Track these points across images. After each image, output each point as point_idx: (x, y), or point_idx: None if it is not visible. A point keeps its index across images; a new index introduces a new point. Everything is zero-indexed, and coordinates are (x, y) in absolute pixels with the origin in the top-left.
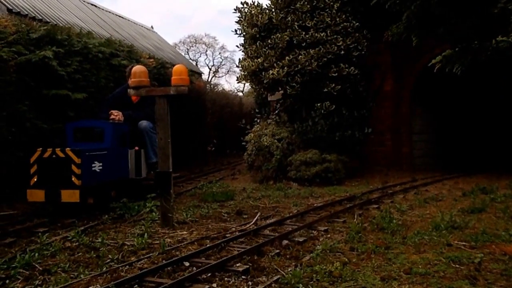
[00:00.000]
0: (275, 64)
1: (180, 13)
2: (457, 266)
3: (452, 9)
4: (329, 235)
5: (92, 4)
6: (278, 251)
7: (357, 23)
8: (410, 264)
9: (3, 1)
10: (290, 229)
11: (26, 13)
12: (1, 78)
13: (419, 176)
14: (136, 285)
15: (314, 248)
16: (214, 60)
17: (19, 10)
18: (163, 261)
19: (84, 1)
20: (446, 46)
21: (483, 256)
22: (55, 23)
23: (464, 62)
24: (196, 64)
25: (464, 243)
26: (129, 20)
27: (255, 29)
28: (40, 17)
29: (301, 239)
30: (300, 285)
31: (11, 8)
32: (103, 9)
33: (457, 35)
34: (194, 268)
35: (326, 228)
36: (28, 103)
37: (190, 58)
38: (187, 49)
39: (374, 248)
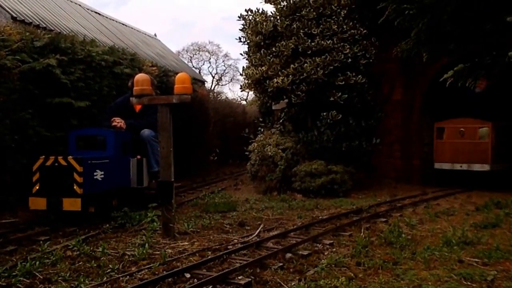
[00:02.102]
0: (279, 73)
1: (183, 20)
2: (468, 283)
3: (463, 25)
4: (334, 249)
5: (95, 12)
6: (281, 264)
7: (365, 30)
8: (420, 281)
9: (8, 9)
10: (294, 242)
11: (30, 21)
12: (5, 86)
13: (429, 189)
14: None
15: (318, 262)
16: (218, 68)
17: (23, 18)
18: (164, 272)
19: (87, 9)
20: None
21: (496, 274)
22: (58, 31)
23: (476, 77)
24: (199, 72)
25: (476, 259)
26: (132, 28)
27: (259, 36)
28: (44, 25)
29: (305, 253)
30: None
31: (15, 16)
32: (106, 17)
33: (469, 50)
34: (195, 280)
35: (331, 241)
36: (32, 111)
37: (193, 66)
38: (190, 56)
39: (381, 263)
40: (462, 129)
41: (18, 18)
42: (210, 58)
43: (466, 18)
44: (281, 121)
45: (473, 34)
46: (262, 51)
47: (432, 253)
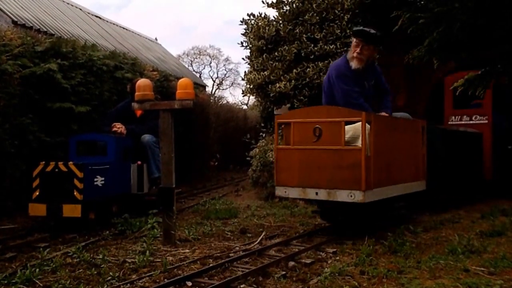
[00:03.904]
0: (282, 77)
1: (185, 24)
2: None
3: (475, 34)
4: (338, 257)
5: (96, 16)
6: (284, 272)
7: None
8: None
9: (9, 14)
10: (297, 250)
11: (31, 25)
12: (6, 91)
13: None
14: None
15: (322, 270)
16: (219, 72)
17: (24, 23)
18: (165, 280)
19: (88, 13)
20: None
21: (502, 283)
22: (59, 35)
23: (486, 86)
24: (200, 76)
25: (482, 268)
26: (133, 32)
27: (261, 41)
28: (45, 30)
29: (308, 261)
30: None
31: (16, 20)
32: (107, 21)
33: (480, 58)
34: None
35: (334, 250)
36: (32, 116)
37: (194, 70)
38: (191, 60)
39: (386, 272)
40: (318, 126)
41: (19, 23)
42: (211, 62)
43: (478, 26)
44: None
45: (485, 42)
46: (264, 56)
47: (437, 261)
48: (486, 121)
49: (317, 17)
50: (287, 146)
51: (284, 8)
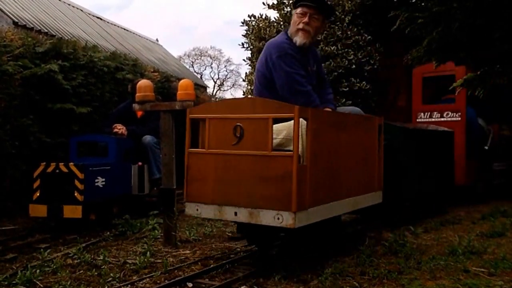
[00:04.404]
0: None
1: (185, 24)
2: None
3: (473, 34)
4: (338, 258)
5: (97, 17)
6: (285, 273)
7: (369, 36)
8: None
9: (9, 14)
10: (298, 250)
11: (32, 26)
12: (6, 91)
13: None
14: None
15: (322, 271)
16: (220, 73)
17: (25, 23)
18: (166, 281)
19: (89, 14)
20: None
21: (503, 284)
22: (60, 36)
23: (485, 86)
24: (201, 77)
25: (482, 269)
26: (134, 33)
27: (262, 42)
28: (46, 30)
29: (309, 261)
30: None
31: (17, 21)
32: (108, 22)
33: (479, 59)
34: None
35: (335, 250)
36: (32, 117)
37: (195, 71)
38: (192, 62)
39: (386, 273)
40: (239, 124)
41: (19, 23)
42: (212, 63)
43: (476, 26)
44: None
45: (483, 42)
46: None
47: (438, 262)
48: (459, 118)
49: None
50: (200, 150)
51: (285, 9)
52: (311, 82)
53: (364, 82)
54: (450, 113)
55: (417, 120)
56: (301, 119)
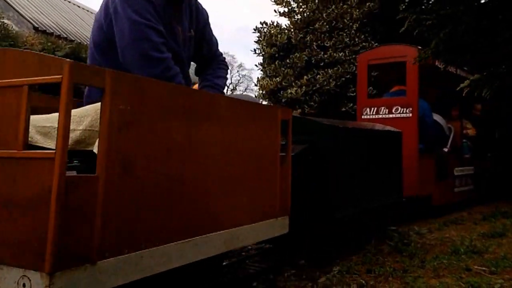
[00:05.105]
0: (293, 83)
1: None
2: None
3: (479, 36)
4: (346, 256)
5: None
6: (294, 271)
7: (376, 43)
8: None
9: (30, 20)
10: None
11: (52, 31)
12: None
13: None
14: None
15: (330, 269)
16: (233, 78)
17: (45, 29)
18: None
19: None
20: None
21: (503, 282)
22: (79, 41)
23: (492, 87)
24: None
25: (484, 268)
26: None
27: (274, 48)
28: (65, 35)
29: (317, 259)
30: None
31: (37, 26)
32: None
33: (485, 60)
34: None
35: (342, 248)
36: None
37: None
38: None
39: (391, 271)
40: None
41: (40, 29)
42: None
43: (482, 29)
44: None
45: (489, 44)
46: (276, 63)
47: (441, 261)
48: (410, 115)
49: (327, 26)
50: None
51: (296, 17)
52: (177, 53)
53: (371, 87)
54: (400, 108)
55: (362, 117)
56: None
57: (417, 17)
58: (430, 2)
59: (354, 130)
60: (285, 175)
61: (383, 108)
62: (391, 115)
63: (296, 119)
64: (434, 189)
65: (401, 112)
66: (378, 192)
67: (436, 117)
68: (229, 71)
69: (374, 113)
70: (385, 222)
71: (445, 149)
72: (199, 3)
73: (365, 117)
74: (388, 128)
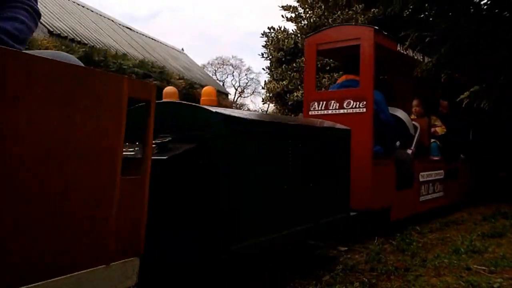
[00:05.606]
0: (299, 87)
1: (209, 35)
2: None
3: (480, 50)
4: (349, 255)
5: (127, 27)
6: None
7: None
8: (430, 287)
9: (45, 24)
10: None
11: (66, 35)
12: None
13: None
14: None
15: (334, 267)
16: (240, 81)
17: (59, 32)
18: None
19: (119, 24)
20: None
21: (502, 281)
22: (92, 45)
23: (491, 98)
24: (223, 85)
25: (483, 267)
26: (161, 43)
27: (281, 52)
28: (79, 39)
29: (321, 258)
30: None
31: (51, 30)
32: (137, 32)
33: (485, 73)
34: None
35: (346, 248)
36: None
37: (217, 79)
38: (215, 70)
39: (393, 269)
40: None
41: (54, 32)
42: (233, 72)
43: (483, 43)
44: None
45: (489, 57)
46: (283, 67)
47: (442, 260)
48: (364, 110)
49: None
50: None
51: (302, 22)
52: None
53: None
54: (352, 102)
55: (310, 113)
56: None
57: (418, 35)
58: (432, 13)
59: (273, 124)
60: (136, 191)
61: (333, 102)
62: (342, 110)
63: (180, 106)
64: (393, 200)
65: (353, 106)
66: (312, 210)
67: (398, 113)
68: (237, 74)
69: (323, 108)
70: (319, 250)
71: (409, 151)
72: None
73: (313, 113)
74: (330, 123)
